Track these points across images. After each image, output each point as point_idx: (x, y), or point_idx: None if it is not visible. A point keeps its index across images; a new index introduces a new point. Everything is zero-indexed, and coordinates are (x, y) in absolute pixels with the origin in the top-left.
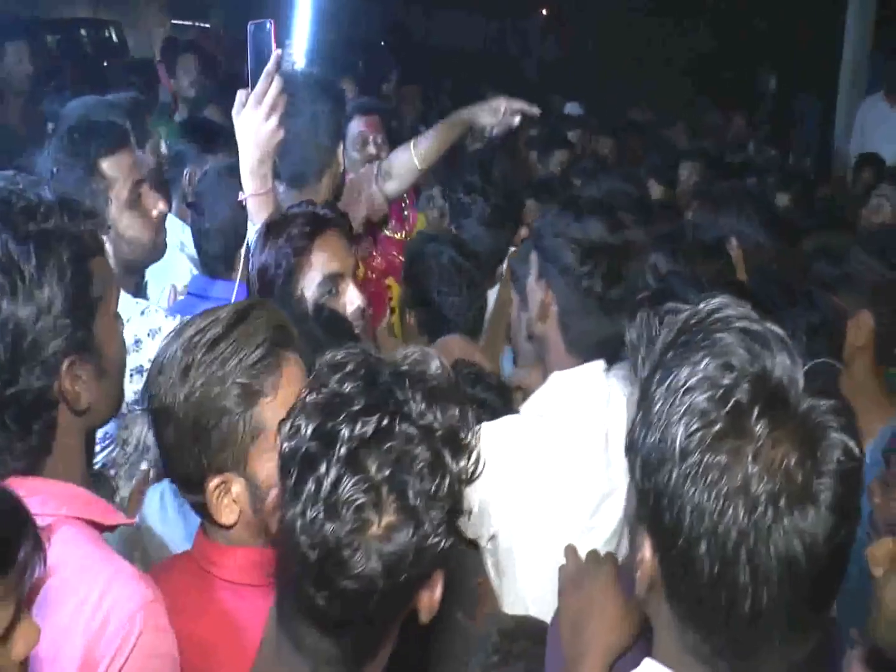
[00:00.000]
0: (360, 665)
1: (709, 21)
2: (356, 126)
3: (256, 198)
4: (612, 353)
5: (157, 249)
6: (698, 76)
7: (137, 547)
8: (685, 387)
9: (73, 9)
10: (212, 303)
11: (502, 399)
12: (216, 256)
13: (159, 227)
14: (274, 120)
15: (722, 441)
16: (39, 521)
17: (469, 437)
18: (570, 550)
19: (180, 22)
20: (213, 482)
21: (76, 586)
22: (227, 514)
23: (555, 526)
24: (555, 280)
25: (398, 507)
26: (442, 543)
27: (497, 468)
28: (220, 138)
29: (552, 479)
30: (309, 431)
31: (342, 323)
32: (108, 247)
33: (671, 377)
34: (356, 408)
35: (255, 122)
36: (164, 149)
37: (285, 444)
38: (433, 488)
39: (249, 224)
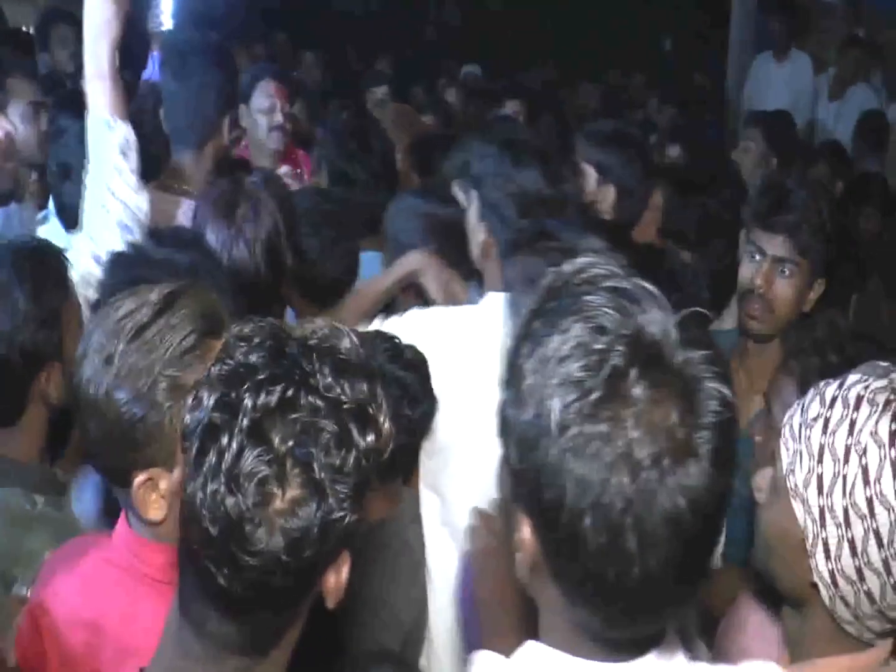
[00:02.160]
0: (263, 651)
1: None
2: (267, 89)
3: (92, 83)
4: None
5: (1, 174)
6: (600, 36)
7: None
8: (557, 356)
9: None
10: None
11: (420, 377)
12: None
13: (6, 151)
14: (115, 9)
15: (601, 409)
16: None
17: (377, 412)
18: (479, 514)
19: None
20: (140, 478)
21: None
22: (154, 510)
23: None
24: (495, 226)
25: (303, 480)
26: (347, 518)
27: (445, 360)
28: None
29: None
30: (211, 402)
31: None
32: None
33: (540, 348)
34: (260, 377)
35: (99, 6)
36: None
37: (187, 417)
38: (339, 462)
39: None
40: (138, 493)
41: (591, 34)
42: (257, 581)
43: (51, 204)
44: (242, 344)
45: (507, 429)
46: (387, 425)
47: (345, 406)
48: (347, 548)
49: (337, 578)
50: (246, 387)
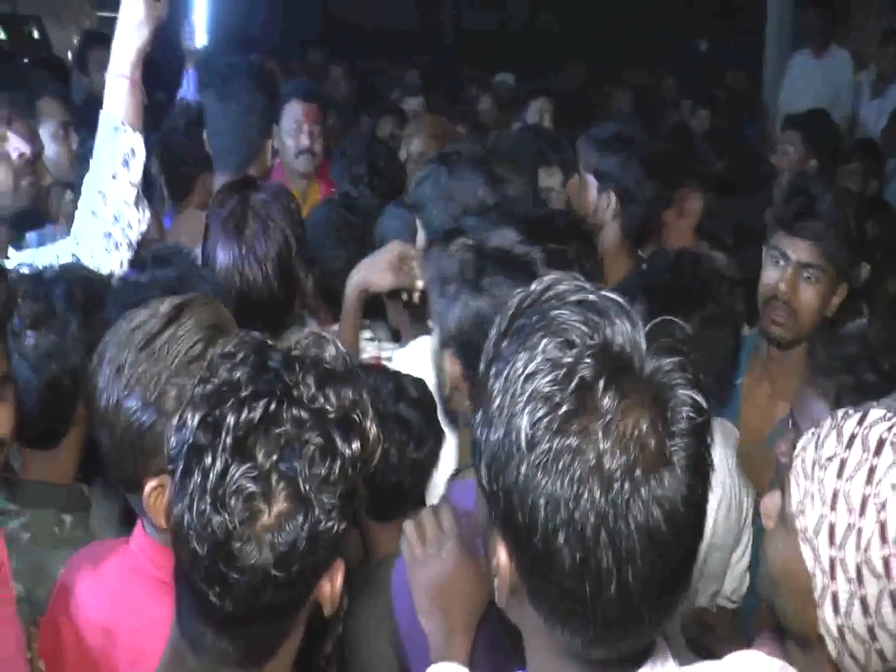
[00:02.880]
0: (260, 664)
1: None
2: (294, 112)
3: (113, 79)
4: None
5: (18, 194)
6: (629, 38)
7: None
8: (525, 373)
9: None
10: None
11: (425, 416)
12: None
13: (21, 170)
14: (146, 13)
15: (570, 423)
16: None
17: (363, 418)
18: (410, 523)
19: (108, 14)
20: (150, 485)
21: None
22: (164, 517)
23: None
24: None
25: (288, 494)
26: (335, 528)
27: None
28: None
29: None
30: (195, 422)
31: None
32: None
33: (509, 367)
34: (243, 394)
35: (137, 7)
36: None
37: (172, 438)
38: (324, 472)
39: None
40: (149, 500)
41: (623, 36)
42: (248, 597)
43: None
44: (226, 361)
45: (477, 450)
46: (374, 430)
47: (329, 415)
48: (339, 556)
49: (332, 587)
50: (229, 404)
